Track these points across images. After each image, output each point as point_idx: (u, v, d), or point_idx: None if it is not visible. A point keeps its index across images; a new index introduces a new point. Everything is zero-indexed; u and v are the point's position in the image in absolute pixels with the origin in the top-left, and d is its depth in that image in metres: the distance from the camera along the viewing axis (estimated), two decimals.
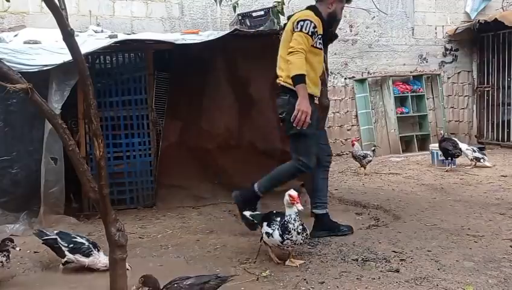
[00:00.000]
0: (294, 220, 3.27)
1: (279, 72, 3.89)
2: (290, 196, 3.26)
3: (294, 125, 3.63)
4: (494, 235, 3.99)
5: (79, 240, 3.48)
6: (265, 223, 3.46)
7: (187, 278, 2.72)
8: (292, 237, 3.29)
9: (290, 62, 3.63)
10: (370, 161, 6.93)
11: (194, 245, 4.06)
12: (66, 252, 3.45)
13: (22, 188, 4.78)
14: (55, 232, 3.61)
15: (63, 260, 3.49)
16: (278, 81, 3.89)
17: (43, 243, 3.62)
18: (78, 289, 3.18)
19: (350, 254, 3.63)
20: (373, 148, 7.53)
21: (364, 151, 7.05)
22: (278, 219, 3.39)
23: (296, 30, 3.67)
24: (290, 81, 3.67)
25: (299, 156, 3.79)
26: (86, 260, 3.40)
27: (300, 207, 3.26)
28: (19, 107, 4.73)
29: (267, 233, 3.40)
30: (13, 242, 3.38)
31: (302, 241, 3.36)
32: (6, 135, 4.76)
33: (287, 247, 3.38)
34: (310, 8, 3.89)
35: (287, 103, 3.74)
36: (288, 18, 3.96)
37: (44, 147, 4.67)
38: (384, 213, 4.91)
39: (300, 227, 3.30)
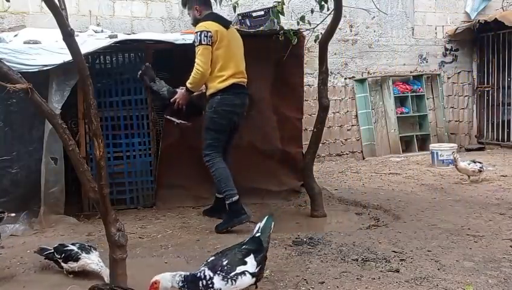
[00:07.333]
0: None
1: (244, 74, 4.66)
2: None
3: None
4: (494, 235, 4.00)
5: (69, 247, 3.41)
6: None
7: None
8: None
9: None
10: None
11: (194, 245, 4.06)
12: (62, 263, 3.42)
13: (22, 188, 4.77)
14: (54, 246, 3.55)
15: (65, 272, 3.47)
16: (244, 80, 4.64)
17: (45, 259, 3.59)
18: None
19: (350, 254, 3.63)
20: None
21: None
22: None
23: None
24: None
25: None
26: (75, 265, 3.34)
27: None
28: (19, 107, 4.72)
29: None
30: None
31: None
32: (6, 135, 4.76)
33: None
34: None
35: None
36: None
37: (45, 147, 4.66)
38: (384, 213, 4.92)
39: None
